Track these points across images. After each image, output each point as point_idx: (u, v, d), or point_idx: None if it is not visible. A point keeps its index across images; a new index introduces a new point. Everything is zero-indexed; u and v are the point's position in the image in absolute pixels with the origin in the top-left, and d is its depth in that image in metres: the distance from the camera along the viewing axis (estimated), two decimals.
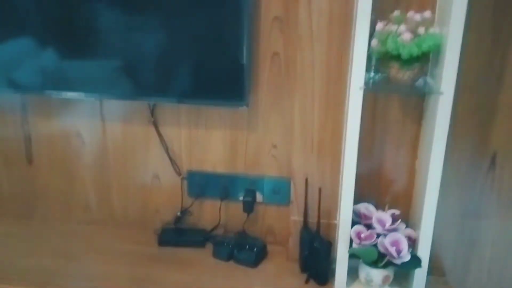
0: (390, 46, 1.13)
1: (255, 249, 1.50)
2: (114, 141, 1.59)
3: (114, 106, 1.56)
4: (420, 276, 1.29)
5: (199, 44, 1.38)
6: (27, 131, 1.62)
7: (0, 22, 1.45)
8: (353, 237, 1.27)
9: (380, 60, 1.21)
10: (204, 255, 1.54)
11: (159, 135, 1.56)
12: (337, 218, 1.40)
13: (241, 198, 1.56)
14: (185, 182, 1.59)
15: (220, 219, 1.60)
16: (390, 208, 1.33)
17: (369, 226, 1.30)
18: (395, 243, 1.23)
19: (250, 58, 1.39)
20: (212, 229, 1.61)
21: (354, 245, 1.28)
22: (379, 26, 1.15)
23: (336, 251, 1.35)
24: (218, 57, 1.39)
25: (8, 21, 1.45)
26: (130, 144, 1.59)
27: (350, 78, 1.20)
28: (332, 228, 1.44)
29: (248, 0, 1.31)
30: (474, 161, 1.40)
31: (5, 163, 1.68)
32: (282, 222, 1.57)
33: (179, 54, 1.40)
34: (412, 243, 1.29)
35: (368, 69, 1.19)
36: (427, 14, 1.15)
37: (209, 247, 1.56)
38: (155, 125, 1.55)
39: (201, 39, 1.37)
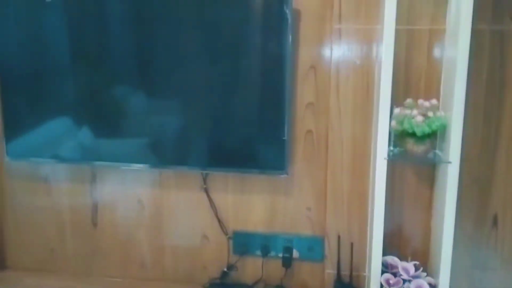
0: (406, 126, 1.44)
1: None
2: (169, 206, 1.86)
3: (171, 175, 1.84)
4: None
5: (249, 124, 1.69)
6: (95, 198, 1.90)
7: (50, 102, 1.77)
8: (384, 283, 1.50)
9: (397, 136, 1.51)
10: None
11: (210, 200, 1.83)
12: (366, 270, 1.64)
13: (280, 255, 1.80)
14: (231, 241, 1.84)
15: (262, 274, 1.83)
16: (411, 260, 1.57)
17: (395, 275, 1.53)
18: (419, 287, 1.46)
19: (290, 135, 1.69)
20: (254, 283, 1.84)
21: None
22: (397, 110, 1.47)
23: None
24: (264, 134, 1.69)
25: (62, 102, 1.77)
26: (183, 208, 1.86)
27: (375, 151, 1.49)
28: (361, 279, 1.67)
29: (288, 91, 1.64)
30: (479, 220, 1.66)
31: (72, 225, 1.93)
32: (316, 276, 1.80)
33: (231, 133, 1.71)
34: None
35: (388, 144, 1.48)
36: (434, 101, 1.46)
37: None
38: (206, 192, 1.83)
39: (250, 120, 1.68)
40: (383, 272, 1.53)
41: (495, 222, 1.67)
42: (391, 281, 1.51)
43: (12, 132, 1.83)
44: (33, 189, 1.94)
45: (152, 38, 1.68)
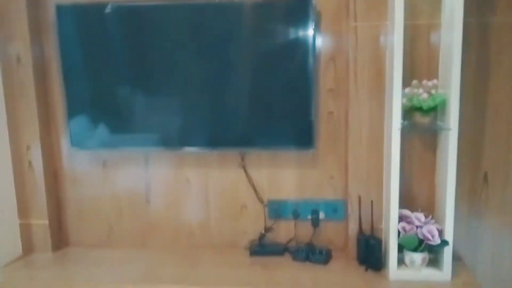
0: (415, 102, 1.79)
1: (324, 252, 2.07)
2: (212, 182, 2.19)
3: (214, 156, 2.16)
4: (447, 257, 1.87)
5: (280, 108, 2.02)
6: (148, 179, 2.21)
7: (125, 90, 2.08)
8: (400, 229, 1.86)
9: (406, 112, 1.87)
10: (285, 260, 2.10)
11: (247, 175, 2.16)
12: (383, 223, 2.00)
13: (308, 217, 2.15)
14: (266, 208, 2.18)
15: (295, 234, 2.17)
16: (421, 211, 1.94)
17: (408, 224, 1.89)
18: (430, 231, 1.83)
19: (315, 116, 2.03)
20: (288, 242, 2.18)
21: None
22: (407, 90, 1.82)
23: (385, 247, 1.93)
24: (293, 116, 2.03)
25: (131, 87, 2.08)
26: (225, 183, 2.18)
27: (390, 124, 1.84)
28: (379, 231, 2.03)
29: (313, 79, 1.98)
30: (472, 177, 2.04)
31: (128, 204, 2.24)
32: (340, 233, 2.16)
33: (266, 117, 2.04)
34: (439, 233, 1.88)
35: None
36: (435, 81, 1.83)
37: (287, 255, 2.13)
38: (244, 168, 2.16)
39: (282, 105, 2.02)
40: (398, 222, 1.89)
41: (485, 179, 2.06)
42: (406, 228, 1.87)
43: (75, 124, 2.12)
44: (93, 174, 2.23)
45: (200, 32, 2.00)
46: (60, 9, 2.02)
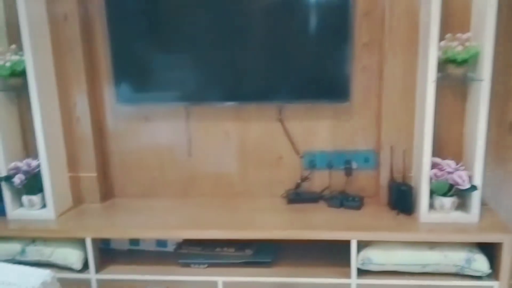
0: (449, 54, 1.89)
1: (357, 199, 2.21)
2: (251, 135, 2.31)
3: (252, 110, 2.28)
4: (475, 201, 2.00)
5: (317, 62, 2.12)
6: (189, 132, 2.33)
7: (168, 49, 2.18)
8: (432, 176, 1.99)
9: (441, 64, 1.96)
10: (321, 206, 2.24)
11: (284, 128, 2.28)
12: (413, 171, 2.13)
13: (342, 167, 2.28)
14: (302, 159, 2.31)
15: (329, 183, 2.31)
16: (451, 159, 2.06)
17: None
18: (460, 177, 1.96)
19: (350, 70, 2.13)
20: (323, 190, 2.32)
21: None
22: (442, 43, 1.91)
23: (416, 192, 2.07)
24: (330, 70, 2.13)
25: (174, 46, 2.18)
26: (262, 136, 2.30)
27: (425, 76, 1.94)
28: (409, 179, 2.16)
29: (349, 33, 2.07)
30: (499, 126, 2.15)
31: (170, 156, 2.37)
32: (372, 181, 2.29)
33: (303, 71, 2.14)
34: (468, 178, 2.01)
35: None
36: (469, 34, 1.91)
37: (322, 203, 2.27)
38: (281, 121, 2.27)
39: (319, 59, 2.12)
40: None
41: (511, 128, 2.17)
42: (438, 174, 2.00)
43: (120, 80, 2.23)
44: (136, 128, 2.35)
45: None
46: None
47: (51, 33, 2.17)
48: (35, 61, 2.06)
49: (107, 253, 2.25)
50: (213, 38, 2.14)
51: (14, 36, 2.17)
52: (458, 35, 1.92)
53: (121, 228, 2.11)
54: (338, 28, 2.08)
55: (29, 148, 2.31)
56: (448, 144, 2.14)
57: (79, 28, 2.18)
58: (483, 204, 2.09)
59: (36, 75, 2.07)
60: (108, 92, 2.31)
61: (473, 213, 2.01)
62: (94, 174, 2.33)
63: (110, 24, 2.17)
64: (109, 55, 2.22)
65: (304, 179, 2.32)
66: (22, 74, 2.09)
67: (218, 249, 2.14)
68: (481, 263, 1.93)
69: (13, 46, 2.12)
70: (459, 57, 1.89)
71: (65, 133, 2.29)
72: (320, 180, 2.33)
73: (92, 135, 2.29)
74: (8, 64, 2.08)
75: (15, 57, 2.09)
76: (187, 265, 2.13)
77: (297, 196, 2.29)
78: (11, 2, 2.07)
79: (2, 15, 2.18)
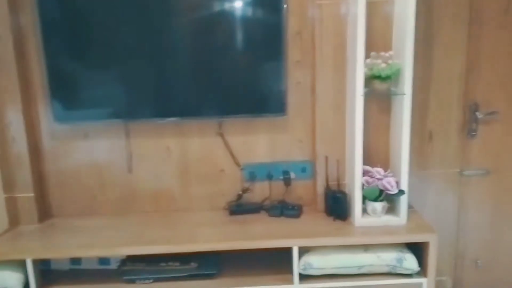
0: (375, 71, 2.06)
1: (296, 208, 2.33)
2: (192, 149, 2.36)
3: (193, 125, 2.33)
4: (403, 205, 2.18)
5: (254, 79, 2.23)
6: (129, 149, 2.34)
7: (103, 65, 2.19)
8: (364, 182, 2.14)
9: (366, 80, 2.12)
10: (262, 216, 2.33)
11: (224, 141, 2.35)
12: (346, 178, 2.28)
13: (281, 177, 2.38)
14: (243, 171, 2.39)
15: (270, 193, 2.41)
16: (379, 167, 2.23)
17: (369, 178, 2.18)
18: (389, 183, 2.13)
19: (285, 86, 2.25)
20: (263, 200, 2.42)
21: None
22: (368, 60, 2.08)
23: (350, 199, 2.22)
24: (266, 86, 2.24)
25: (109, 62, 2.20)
26: (203, 150, 2.36)
27: (353, 91, 2.10)
28: (343, 186, 2.31)
29: (283, 53, 2.19)
30: (420, 135, 2.36)
31: (111, 173, 2.37)
32: (309, 190, 2.42)
33: (241, 87, 2.23)
34: (396, 184, 2.18)
35: None
36: (391, 52, 2.10)
37: (263, 213, 2.36)
38: (222, 135, 2.35)
39: (255, 76, 2.22)
40: None
41: (430, 137, 2.38)
42: (369, 181, 2.16)
43: (56, 99, 2.20)
44: (74, 146, 2.33)
45: (175, 14, 2.14)
46: None
47: None
48: None
49: (48, 274, 2.20)
50: (147, 54, 2.18)
51: None
52: (382, 53, 2.10)
53: (62, 247, 2.08)
54: (272, 46, 2.20)
55: None
56: (376, 153, 2.31)
57: (13, 47, 2.13)
58: (410, 207, 2.27)
59: None
60: (44, 110, 2.28)
61: (402, 216, 2.18)
62: (31, 194, 2.28)
63: (44, 42, 2.15)
64: (44, 74, 2.19)
65: (245, 190, 2.41)
66: None
67: (162, 264, 2.17)
68: (410, 262, 2.10)
69: None
70: (383, 74, 2.06)
71: (0, 154, 2.22)
72: (260, 191, 2.42)
73: (28, 155, 2.24)
74: None
75: None
76: (132, 281, 2.13)
77: (239, 208, 2.37)
78: None
79: None
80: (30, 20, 2.18)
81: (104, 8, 2.12)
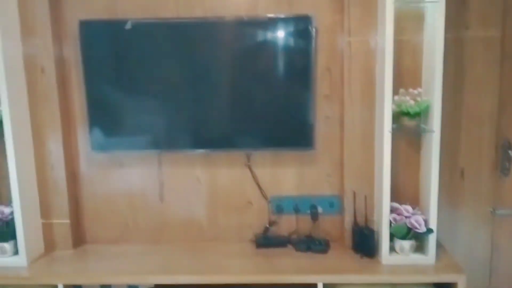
0: (403, 108, 2.06)
1: (322, 243, 2.32)
2: (221, 180, 2.41)
3: (222, 156, 2.39)
4: (432, 243, 2.14)
5: (283, 113, 2.27)
6: (161, 178, 2.41)
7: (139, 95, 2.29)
8: (392, 220, 2.12)
9: (395, 116, 2.13)
10: (289, 251, 2.34)
11: (252, 173, 2.39)
12: (375, 215, 2.26)
13: (308, 212, 2.39)
14: (270, 204, 2.41)
15: (296, 227, 2.41)
16: (408, 204, 2.20)
17: (397, 215, 2.16)
18: (417, 221, 2.10)
19: (314, 120, 2.28)
20: (290, 234, 2.42)
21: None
22: (396, 98, 2.09)
23: (378, 236, 2.19)
24: (295, 120, 2.28)
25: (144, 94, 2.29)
26: (232, 181, 2.41)
27: (381, 127, 2.10)
28: (371, 223, 2.29)
29: (312, 87, 2.23)
30: (451, 173, 2.32)
31: (143, 202, 2.44)
32: (337, 225, 2.41)
33: (270, 121, 2.28)
34: (425, 222, 2.15)
35: None
36: (420, 89, 2.10)
37: (290, 247, 2.36)
38: (250, 167, 2.39)
39: (284, 110, 2.27)
40: None
41: (462, 174, 2.34)
42: (397, 218, 2.14)
43: (95, 129, 2.31)
44: (109, 174, 2.42)
45: (214, 45, 2.25)
46: (83, 24, 2.21)
47: (28, 84, 2.26)
48: (12, 111, 2.13)
49: None
50: (182, 87, 2.27)
51: None
52: (410, 90, 2.10)
53: (93, 274, 2.15)
54: (301, 80, 2.24)
55: (2, 196, 2.34)
56: (405, 190, 2.29)
57: (56, 80, 2.27)
58: (439, 245, 2.22)
59: (12, 124, 2.13)
60: (83, 139, 2.39)
61: (430, 255, 2.14)
62: (67, 221, 2.37)
63: (85, 74, 2.26)
64: (84, 104, 2.31)
65: (272, 223, 2.42)
66: None
67: None
68: None
69: None
70: (412, 110, 2.06)
71: (39, 180, 2.33)
72: (287, 224, 2.43)
73: (66, 182, 2.35)
74: None
75: None
76: None
77: (266, 241, 2.38)
78: None
79: None
80: (73, 52, 2.31)
81: (143, 42, 2.24)
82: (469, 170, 2.34)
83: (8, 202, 2.25)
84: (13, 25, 2.18)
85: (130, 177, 2.43)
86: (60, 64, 2.31)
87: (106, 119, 2.31)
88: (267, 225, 2.42)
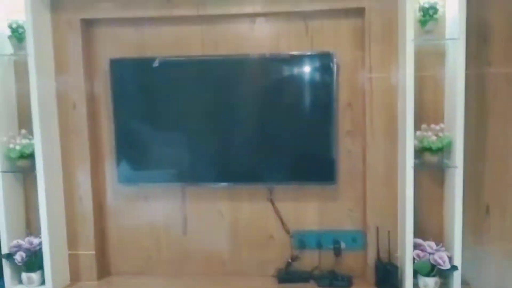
0: (425, 143, 2.07)
1: (345, 279, 2.29)
2: (242, 214, 2.43)
3: (244, 190, 2.42)
4: (456, 281, 2.09)
5: (305, 147, 2.30)
6: (184, 211, 2.45)
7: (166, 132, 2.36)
8: (415, 256, 2.10)
9: (417, 151, 2.13)
10: (311, 286, 2.32)
11: (274, 208, 2.41)
12: (399, 251, 2.24)
13: (330, 247, 2.38)
14: (292, 239, 2.41)
15: (319, 262, 2.40)
16: (432, 240, 2.17)
17: (421, 251, 2.13)
18: (441, 257, 2.06)
19: (336, 154, 2.30)
20: (313, 269, 2.41)
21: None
22: (418, 133, 2.10)
23: (401, 272, 2.16)
24: (317, 155, 2.30)
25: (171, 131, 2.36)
26: (254, 215, 2.43)
27: (403, 162, 2.11)
28: (395, 258, 2.26)
29: (334, 122, 2.26)
30: (476, 209, 2.29)
31: (166, 235, 2.47)
32: (359, 261, 2.38)
33: (293, 155, 2.31)
34: (449, 259, 2.11)
35: None
36: (442, 125, 2.11)
37: (312, 282, 2.35)
38: (272, 202, 2.41)
39: (307, 144, 2.30)
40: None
41: (487, 210, 2.30)
42: (420, 255, 2.11)
43: (122, 162, 2.38)
44: (134, 206, 2.48)
45: (238, 82, 2.33)
46: (113, 62, 2.32)
47: (60, 119, 2.36)
48: (43, 145, 2.23)
49: None
50: (207, 122, 2.35)
51: (24, 122, 2.35)
52: (432, 125, 2.11)
53: None
54: (324, 115, 2.28)
55: (31, 226, 2.41)
56: (429, 225, 2.26)
57: (86, 114, 2.36)
58: (464, 283, 2.17)
59: (43, 157, 2.22)
60: (110, 172, 2.46)
61: None
62: (93, 252, 2.42)
63: (114, 109, 2.36)
64: (112, 138, 2.39)
65: (294, 258, 2.41)
66: (30, 156, 2.25)
67: None
68: None
69: (23, 131, 2.29)
70: (434, 146, 2.06)
71: (67, 212, 2.40)
72: (309, 259, 2.42)
73: (93, 214, 2.41)
74: (17, 147, 2.24)
75: (24, 141, 2.26)
76: None
77: (288, 276, 2.37)
78: (23, 91, 2.27)
79: (15, 103, 2.37)
80: (103, 88, 2.41)
81: (170, 78, 2.33)
82: (494, 206, 2.30)
83: (36, 233, 2.32)
84: (48, 63, 2.30)
85: (154, 209, 2.47)
86: (91, 99, 2.41)
87: (133, 152, 2.38)
88: (289, 260, 2.41)
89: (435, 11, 2.09)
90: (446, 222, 2.23)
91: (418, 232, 2.20)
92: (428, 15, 2.09)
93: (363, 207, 2.35)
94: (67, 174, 2.39)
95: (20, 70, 2.34)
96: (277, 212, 2.41)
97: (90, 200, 2.40)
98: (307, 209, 2.41)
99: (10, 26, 2.25)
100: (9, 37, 2.27)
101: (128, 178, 2.40)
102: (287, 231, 2.42)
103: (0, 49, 2.26)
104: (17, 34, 2.26)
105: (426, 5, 2.08)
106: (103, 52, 2.39)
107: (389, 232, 2.25)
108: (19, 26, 2.25)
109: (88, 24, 2.37)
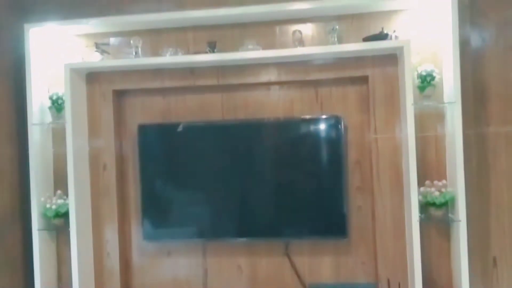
0: (429, 199, 2.22)
1: None
2: (261, 268, 2.57)
3: (262, 245, 2.56)
4: None
5: (318, 204, 2.46)
6: (205, 266, 2.60)
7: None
8: None
9: (422, 206, 2.28)
10: None
11: (291, 261, 2.54)
12: None
13: None
14: None
15: None
16: None
17: None
18: None
19: (347, 210, 2.46)
20: None
21: None
22: (422, 189, 2.26)
23: None
24: (329, 211, 2.46)
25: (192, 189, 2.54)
26: (271, 269, 2.56)
27: (409, 217, 2.25)
28: None
29: (344, 180, 2.44)
30: (483, 261, 2.39)
31: None
32: None
33: (306, 212, 2.47)
34: None
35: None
36: (444, 181, 2.27)
37: None
38: (288, 256, 2.54)
39: (319, 201, 2.46)
40: None
41: (494, 262, 2.41)
42: None
43: (147, 220, 2.57)
44: (157, 262, 2.63)
45: (253, 145, 2.54)
46: (141, 128, 2.56)
47: (91, 179, 2.58)
48: (77, 204, 2.43)
49: None
50: (226, 182, 2.54)
51: (59, 182, 2.57)
52: (435, 182, 2.27)
53: None
54: (334, 174, 2.46)
55: (62, 280, 2.57)
56: (438, 277, 2.37)
57: (116, 175, 2.58)
58: None
59: (76, 216, 2.42)
60: (135, 229, 2.64)
61: None
62: None
63: (141, 170, 2.57)
64: (138, 197, 2.59)
65: None
66: (64, 215, 2.45)
67: None
68: None
69: (59, 192, 2.51)
70: (437, 201, 2.22)
71: (95, 267, 2.57)
72: None
73: (119, 269, 2.57)
74: (53, 207, 2.45)
75: (60, 201, 2.47)
76: None
77: None
78: (59, 155, 2.52)
79: (51, 166, 2.61)
80: (131, 151, 2.64)
81: (193, 142, 2.55)
82: (501, 258, 2.41)
83: (68, 286, 2.47)
84: (82, 129, 2.55)
85: (176, 265, 2.62)
86: (120, 161, 2.63)
87: (157, 211, 2.57)
88: None
89: (432, 78, 2.30)
90: (454, 274, 2.33)
91: (428, 283, 2.31)
92: (426, 82, 2.30)
93: (375, 260, 2.47)
94: (96, 231, 2.58)
95: (57, 136, 2.59)
96: (293, 265, 2.54)
97: (117, 256, 2.57)
98: (322, 263, 2.53)
99: (50, 98, 2.52)
100: (49, 108, 2.54)
101: (152, 235, 2.58)
102: (303, 285, 2.54)
103: (41, 118, 2.52)
104: (56, 105, 2.52)
105: (424, 73, 2.30)
106: (132, 118, 2.64)
107: (399, 283, 2.36)
108: (58, 98, 2.51)
109: (119, 94, 2.63)
